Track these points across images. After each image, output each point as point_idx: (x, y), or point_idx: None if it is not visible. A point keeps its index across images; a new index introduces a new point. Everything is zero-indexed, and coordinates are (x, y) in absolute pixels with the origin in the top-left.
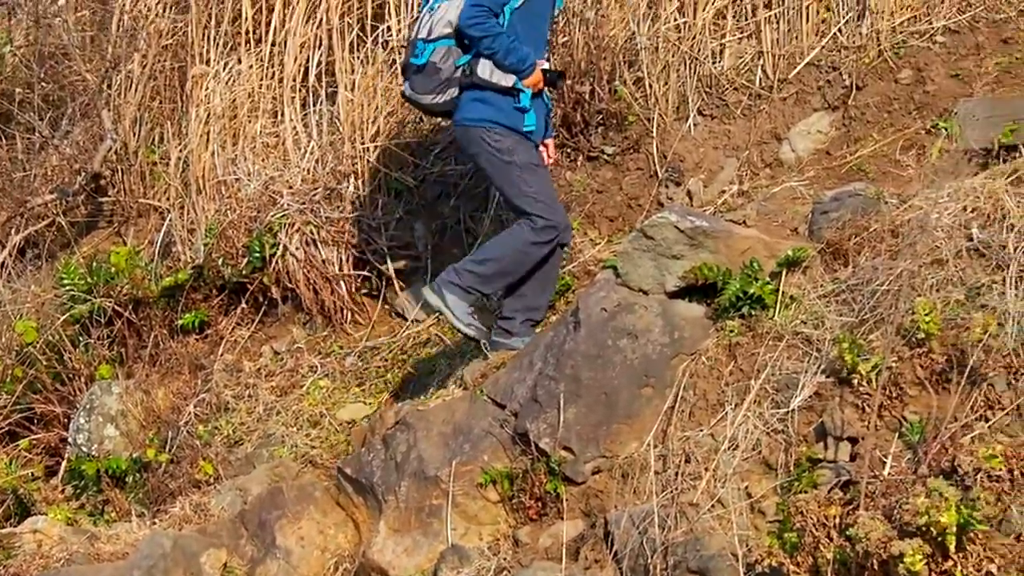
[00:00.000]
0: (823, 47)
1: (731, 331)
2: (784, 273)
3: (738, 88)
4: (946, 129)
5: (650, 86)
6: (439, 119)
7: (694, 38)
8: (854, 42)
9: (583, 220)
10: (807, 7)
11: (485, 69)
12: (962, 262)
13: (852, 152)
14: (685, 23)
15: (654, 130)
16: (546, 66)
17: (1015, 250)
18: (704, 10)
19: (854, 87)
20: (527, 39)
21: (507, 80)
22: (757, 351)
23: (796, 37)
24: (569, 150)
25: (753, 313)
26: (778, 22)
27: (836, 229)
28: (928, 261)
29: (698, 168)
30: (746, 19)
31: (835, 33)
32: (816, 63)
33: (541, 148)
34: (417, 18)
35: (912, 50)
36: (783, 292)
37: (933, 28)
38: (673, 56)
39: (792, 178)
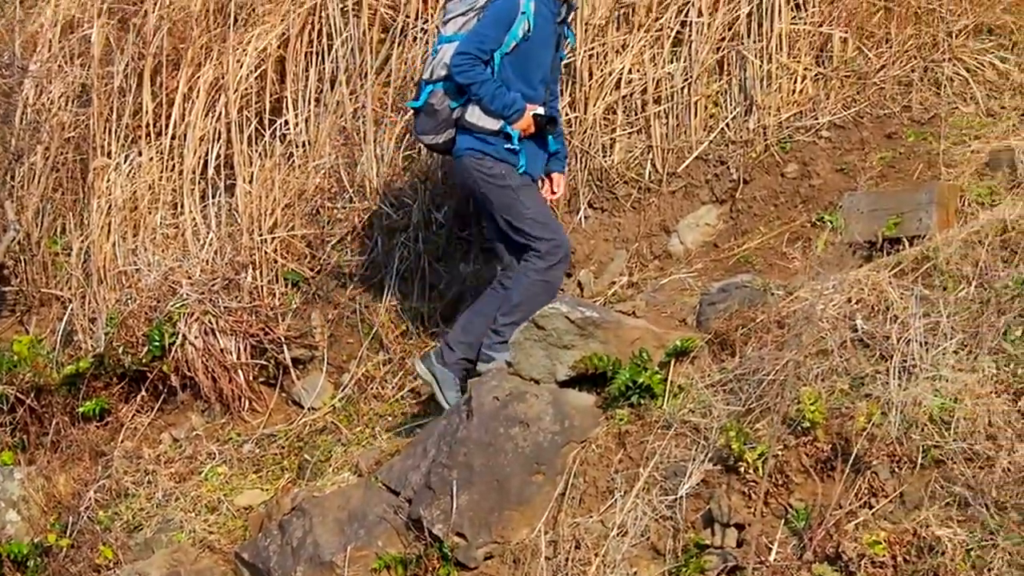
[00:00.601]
0: (711, 141)
1: (620, 419)
2: (672, 363)
3: (628, 181)
4: (831, 222)
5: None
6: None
7: (585, 132)
8: (741, 136)
9: None
10: (695, 102)
11: (474, 113)
12: (847, 352)
13: (739, 244)
14: (576, 118)
15: None
16: (539, 111)
17: (898, 341)
18: (595, 105)
19: (741, 181)
20: (522, 82)
21: (495, 124)
22: (646, 439)
23: (685, 132)
24: (462, 242)
25: (642, 402)
26: (667, 117)
27: (723, 320)
28: (813, 351)
29: (589, 260)
30: (636, 114)
31: (723, 128)
32: (704, 157)
33: (547, 182)
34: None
35: (798, 145)
36: (671, 381)
37: (819, 123)
38: None
39: (680, 270)
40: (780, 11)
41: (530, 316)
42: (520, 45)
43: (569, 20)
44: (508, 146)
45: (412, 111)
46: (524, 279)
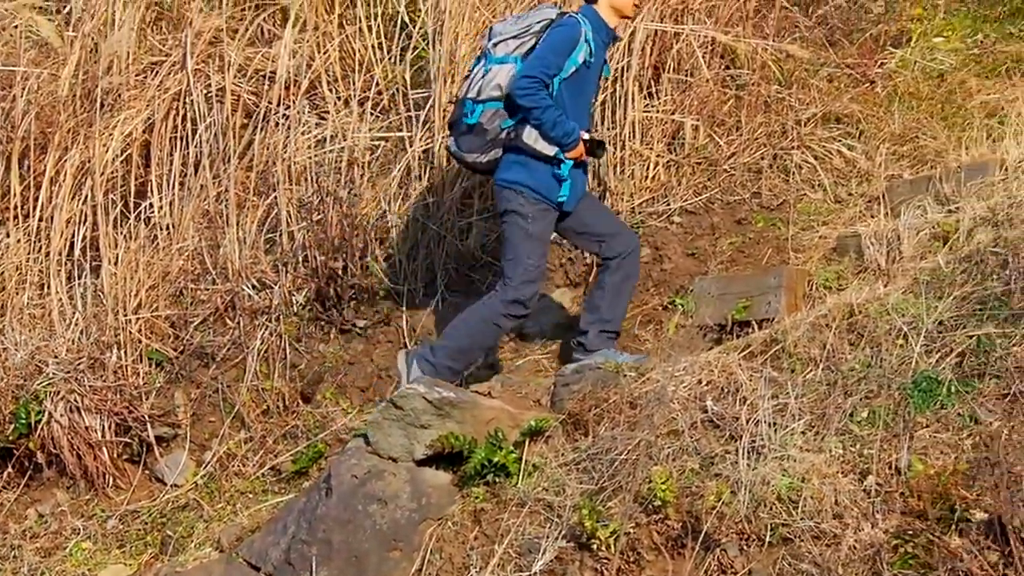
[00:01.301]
0: None
1: (476, 497)
2: (527, 442)
3: (484, 265)
4: (682, 305)
5: (400, 262)
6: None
7: (442, 217)
8: None
9: (335, 390)
10: None
11: (531, 136)
12: (697, 432)
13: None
14: (434, 202)
15: (404, 304)
16: (587, 136)
17: (747, 421)
18: (451, 190)
19: (594, 265)
20: (573, 109)
21: (550, 150)
22: (501, 517)
23: None
24: (323, 323)
25: (497, 480)
26: None
27: (577, 400)
28: (665, 431)
29: None
30: (491, 199)
31: None
32: (558, 242)
33: None
34: (468, 76)
35: (651, 230)
36: (526, 460)
37: (671, 209)
38: (422, 234)
39: (536, 351)
40: (633, 99)
41: (467, 355)
42: (579, 71)
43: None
44: (556, 172)
45: (451, 130)
46: (474, 315)
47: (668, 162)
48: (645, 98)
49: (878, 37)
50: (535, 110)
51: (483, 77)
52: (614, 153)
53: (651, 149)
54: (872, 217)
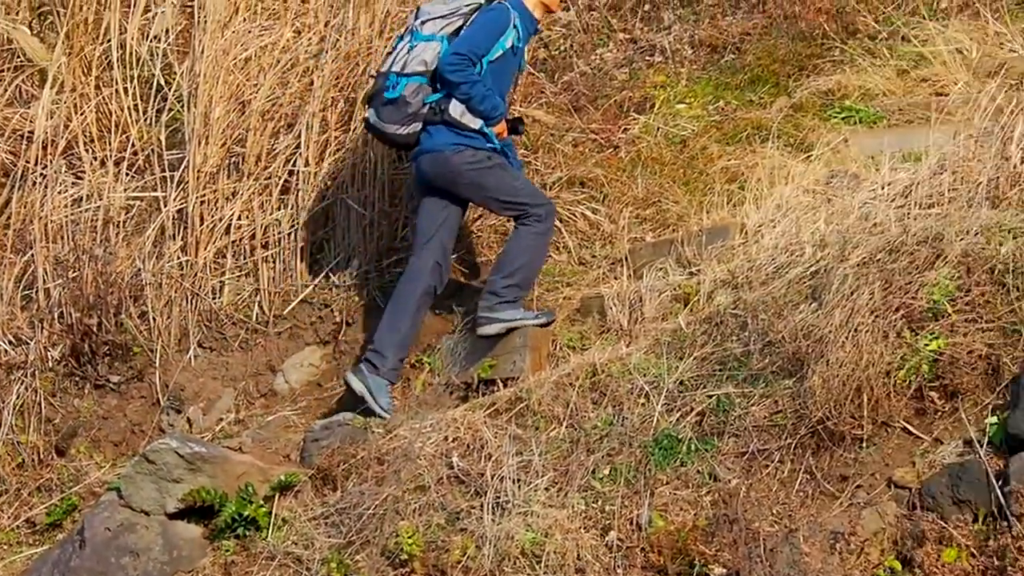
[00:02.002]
0: (316, 285)
1: (227, 550)
2: (277, 497)
3: (236, 323)
4: (430, 364)
5: (154, 319)
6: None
7: (196, 275)
8: (344, 281)
9: (89, 444)
10: (301, 248)
11: (456, 109)
12: (443, 488)
13: (342, 384)
14: (188, 261)
15: (157, 361)
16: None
17: (492, 477)
18: (205, 249)
19: (344, 323)
20: (496, 90)
21: (475, 123)
22: (251, 570)
23: (291, 276)
24: (78, 378)
25: (248, 534)
26: (275, 261)
27: (326, 456)
28: (412, 487)
29: (198, 397)
30: (245, 258)
31: (327, 272)
32: (309, 300)
33: None
34: (392, 52)
35: None
36: (276, 515)
37: None
38: (176, 292)
39: (286, 408)
40: (382, 162)
41: (531, 276)
42: (504, 56)
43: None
44: (488, 144)
45: (370, 103)
46: (524, 241)
47: None
48: (396, 161)
49: (622, 103)
50: (463, 84)
51: (408, 52)
52: (364, 214)
53: (399, 210)
54: (615, 279)
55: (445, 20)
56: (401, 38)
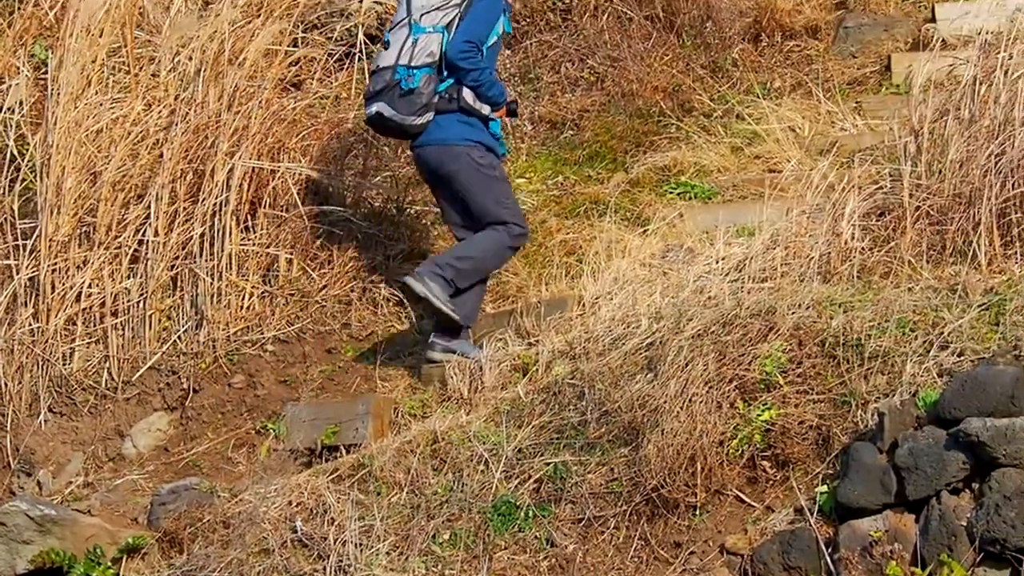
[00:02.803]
0: (164, 353)
1: None
2: (125, 559)
3: (86, 388)
4: (275, 430)
5: (5, 384)
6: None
7: (47, 342)
8: (192, 349)
9: None
10: (150, 316)
11: (469, 96)
12: (287, 552)
13: (189, 449)
14: (39, 328)
15: (8, 425)
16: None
17: (335, 542)
18: (56, 316)
19: (192, 390)
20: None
21: (486, 109)
22: None
23: (140, 343)
24: None
25: None
26: (124, 329)
27: (173, 519)
28: (256, 550)
29: (48, 460)
30: (95, 325)
31: (175, 340)
32: (157, 367)
33: None
34: (387, 46)
35: (245, 357)
36: None
37: (264, 338)
38: (27, 358)
39: (134, 472)
40: (231, 233)
41: (475, 273)
42: (497, 41)
43: None
44: (492, 131)
45: (377, 97)
46: (487, 241)
47: (263, 293)
48: (242, 232)
49: None
50: (474, 72)
51: (413, 45)
52: (212, 283)
53: (247, 280)
54: None
55: (441, 12)
56: (390, 31)
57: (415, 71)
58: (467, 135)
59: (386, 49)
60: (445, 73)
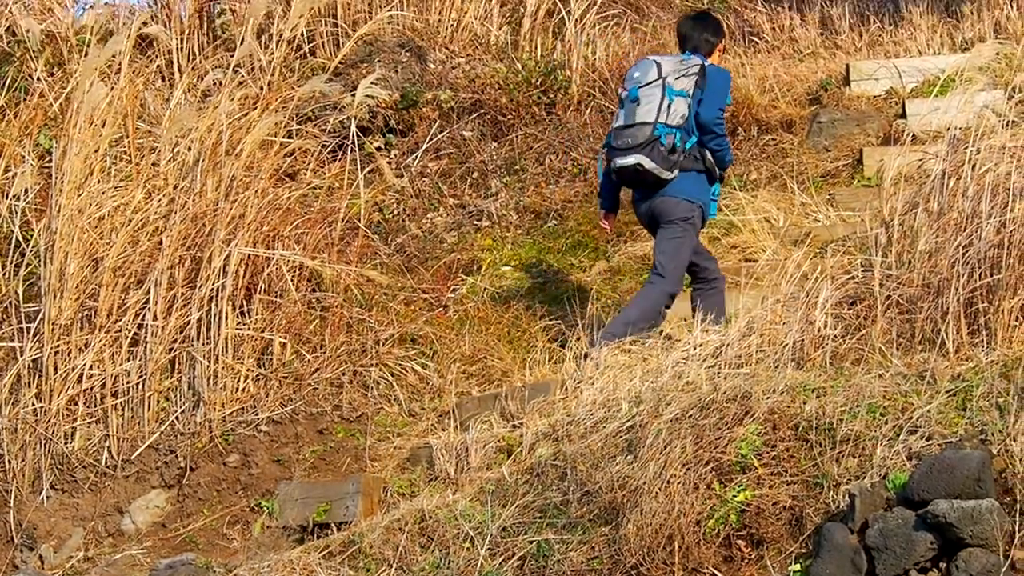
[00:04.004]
0: (162, 432)
1: None
2: None
3: (87, 466)
4: (268, 508)
5: (9, 462)
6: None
7: (49, 421)
8: (189, 429)
9: None
10: (149, 397)
11: (709, 158)
12: None
13: (185, 525)
14: (42, 407)
15: (11, 501)
16: None
17: None
18: (59, 396)
19: (189, 468)
20: None
21: (717, 172)
22: None
23: (139, 423)
24: None
25: None
26: (123, 409)
27: None
28: None
29: (49, 535)
30: (95, 406)
31: (173, 420)
32: (156, 446)
33: None
34: (633, 100)
35: (240, 437)
36: None
37: (259, 418)
38: (30, 436)
39: (133, 547)
40: (227, 317)
41: (639, 324)
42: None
43: None
44: (713, 194)
45: (637, 151)
46: (649, 297)
47: (257, 376)
48: (238, 316)
49: (451, 265)
50: (722, 138)
51: (668, 107)
52: (209, 366)
53: (242, 363)
54: (443, 430)
55: (687, 78)
56: (637, 88)
57: (673, 130)
58: (700, 196)
59: (637, 105)
60: (690, 135)
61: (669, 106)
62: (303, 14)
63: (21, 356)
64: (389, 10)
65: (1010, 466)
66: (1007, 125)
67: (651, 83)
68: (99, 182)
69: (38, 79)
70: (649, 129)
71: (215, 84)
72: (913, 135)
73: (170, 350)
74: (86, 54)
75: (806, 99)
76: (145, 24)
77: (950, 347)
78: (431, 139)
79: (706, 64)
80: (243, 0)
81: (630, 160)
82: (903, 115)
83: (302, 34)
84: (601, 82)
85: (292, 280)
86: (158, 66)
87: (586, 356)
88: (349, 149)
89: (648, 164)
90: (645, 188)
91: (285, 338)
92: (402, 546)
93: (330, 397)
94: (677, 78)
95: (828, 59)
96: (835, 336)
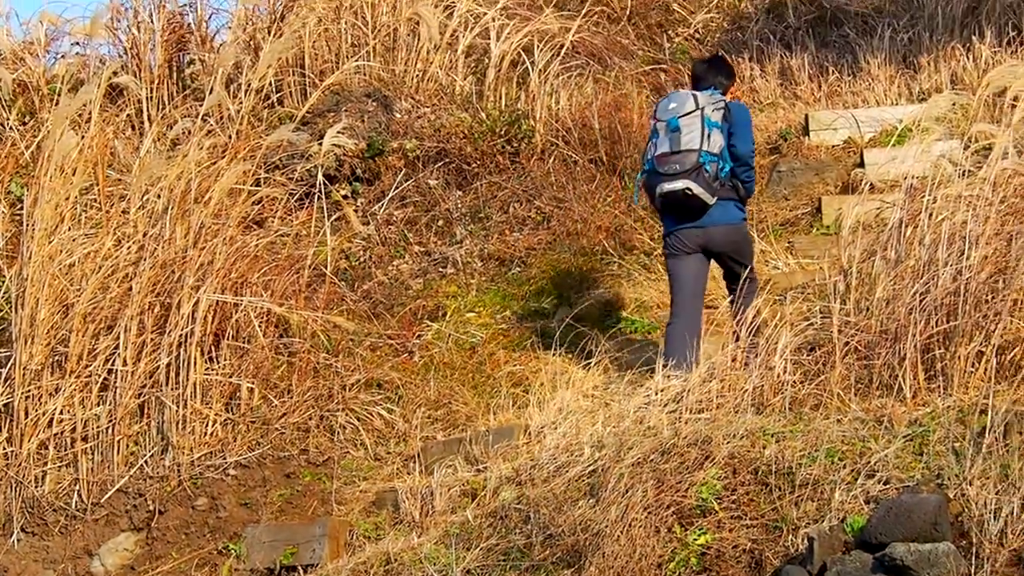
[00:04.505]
0: (131, 476)
1: None
2: None
3: (57, 509)
4: (236, 550)
5: None
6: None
7: (20, 465)
8: (158, 472)
9: None
10: (118, 441)
11: (739, 186)
12: None
13: (154, 568)
14: (13, 451)
15: None
16: None
17: None
18: (29, 441)
19: (157, 511)
20: None
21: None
22: None
23: (108, 467)
24: None
25: None
26: (93, 453)
27: None
28: None
29: None
30: (66, 449)
31: (142, 464)
32: (125, 490)
33: None
34: (678, 131)
35: (208, 481)
36: None
37: (227, 462)
38: (1, 480)
39: None
40: (195, 362)
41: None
42: None
43: None
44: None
45: (683, 176)
46: (753, 289)
47: (225, 420)
48: (206, 362)
49: (417, 311)
50: (752, 171)
51: (709, 136)
52: (177, 411)
53: (210, 408)
54: (408, 474)
55: (717, 111)
56: (677, 118)
57: (713, 158)
58: (743, 216)
59: (679, 134)
60: (726, 163)
61: (709, 136)
62: (271, 64)
63: None
64: (356, 60)
65: (966, 510)
66: (963, 174)
67: (690, 113)
68: (70, 229)
69: (10, 128)
70: (695, 156)
71: (184, 133)
72: (871, 184)
73: (139, 395)
74: (57, 103)
75: (766, 148)
76: (115, 74)
77: (907, 392)
78: (397, 187)
79: (728, 102)
80: (212, 50)
81: (679, 185)
82: (861, 164)
83: (270, 84)
84: (564, 131)
85: (260, 326)
86: (128, 115)
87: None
88: (316, 197)
89: (696, 189)
90: (688, 213)
91: (253, 383)
92: None
93: (297, 441)
94: (713, 110)
95: (787, 109)
96: (794, 382)
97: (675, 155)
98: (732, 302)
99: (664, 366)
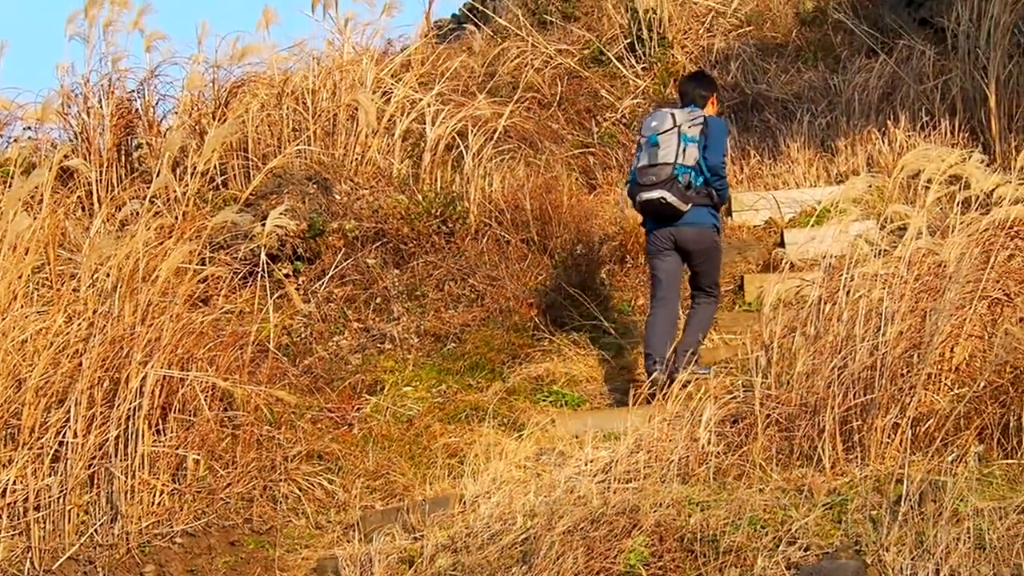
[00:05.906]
0: (82, 544)
1: None
2: None
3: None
4: None
5: None
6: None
7: None
8: (108, 541)
9: None
10: (69, 511)
11: (712, 194)
12: None
13: None
14: None
15: None
16: None
17: None
18: None
19: None
20: None
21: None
22: None
23: (60, 535)
24: None
25: None
26: (45, 522)
27: None
28: None
29: None
30: (18, 518)
31: (92, 533)
32: (76, 557)
33: None
34: (657, 146)
35: (156, 549)
36: None
37: (174, 531)
38: None
39: None
40: (143, 435)
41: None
42: None
43: None
44: (717, 219)
45: (659, 187)
46: (705, 315)
47: (172, 490)
48: (154, 434)
49: (356, 385)
50: (723, 180)
51: (684, 151)
52: (126, 481)
53: (158, 479)
54: (348, 542)
55: (696, 127)
56: (657, 135)
57: (688, 169)
58: (715, 222)
59: (658, 148)
60: (700, 174)
61: (684, 150)
62: (216, 148)
63: None
64: (297, 145)
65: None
66: (879, 253)
67: (668, 130)
68: (22, 307)
69: None
70: (670, 168)
71: (133, 214)
72: (791, 263)
73: (89, 466)
74: (10, 185)
75: None
76: (66, 157)
77: (826, 463)
78: (337, 266)
79: (707, 117)
80: (159, 134)
81: (655, 194)
82: (782, 244)
83: (215, 167)
84: (497, 212)
85: (205, 400)
86: (79, 197)
87: (669, 381)
88: (259, 276)
89: (670, 198)
90: (665, 218)
91: (198, 455)
92: None
93: (241, 510)
94: (689, 127)
95: None
96: (718, 452)
97: (653, 168)
98: (688, 316)
99: (644, 362)
